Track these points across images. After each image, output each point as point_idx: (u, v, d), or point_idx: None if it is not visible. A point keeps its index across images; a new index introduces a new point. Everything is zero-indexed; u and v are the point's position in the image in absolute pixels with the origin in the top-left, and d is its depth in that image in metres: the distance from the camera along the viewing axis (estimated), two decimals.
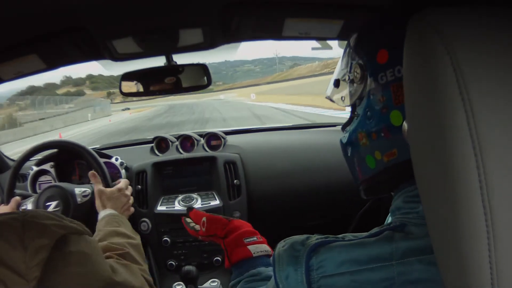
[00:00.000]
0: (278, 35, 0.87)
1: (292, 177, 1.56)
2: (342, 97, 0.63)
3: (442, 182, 0.31)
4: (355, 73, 0.56)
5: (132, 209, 1.16)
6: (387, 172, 0.52)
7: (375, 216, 0.83)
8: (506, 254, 0.30)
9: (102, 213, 1.03)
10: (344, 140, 0.61)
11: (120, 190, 1.14)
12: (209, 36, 0.88)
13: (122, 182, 1.19)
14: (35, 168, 1.51)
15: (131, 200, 1.15)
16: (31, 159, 1.43)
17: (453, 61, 0.30)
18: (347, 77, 0.59)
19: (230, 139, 1.72)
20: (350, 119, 0.60)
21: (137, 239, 0.93)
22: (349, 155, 0.61)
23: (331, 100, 0.68)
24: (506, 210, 0.29)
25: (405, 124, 0.47)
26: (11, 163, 1.67)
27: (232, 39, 0.94)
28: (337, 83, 0.64)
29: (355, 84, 0.57)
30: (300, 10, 0.74)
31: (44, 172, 1.52)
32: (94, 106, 42.64)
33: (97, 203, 1.10)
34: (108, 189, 1.13)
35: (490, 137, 0.29)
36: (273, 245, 0.61)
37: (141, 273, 0.78)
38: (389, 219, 0.64)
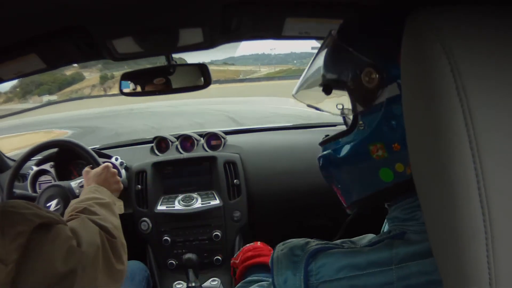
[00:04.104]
0: (278, 35, 0.88)
1: (292, 177, 1.56)
2: (340, 105, 0.55)
3: (440, 182, 0.31)
4: (369, 78, 0.48)
5: (121, 185, 1.16)
6: (409, 183, 0.45)
7: (365, 223, 0.82)
8: (504, 254, 0.30)
9: (84, 189, 1.05)
10: (341, 153, 0.53)
11: (104, 168, 1.14)
12: (209, 36, 0.88)
13: (106, 163, 1.18)
14: (35, 168, 1.51)
15: (117, 177, 1.15)
16: (31, 159, 1.43)
17: (450, 60, 0.30)
18: (350, 82, 0.51)
19: (230, 139, 1.72)
20: (349, 130, 0.53)
21: (107, 200, 0.95)
22: (346, 170, 0.54)
23: (316, 109, 0.60)
24: (504, 210, 0.29)
25: None
26: (11, 163, 1.67)
27: (232, 38, 0.94)
28: (328, 89, 0.56)
29: (366, 90, 0.49)
30: (300, 9, 0.75)
31: (44, 172, 1.52)
32: None
33: (84, 184, 1.12)
34: (94, 170, 1.14)
35: (488, 136, 0.29)
36: (272, 245, 0.60)
37: (98, 221, 0.79)
38: (385, 227, 0.63)
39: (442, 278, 0.35)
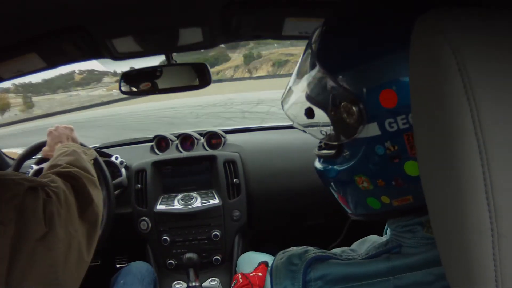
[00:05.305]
0: (278, 35, 0.88)
1: (292, 176, 1.56)
2: (324, 132, 0.51)
3: (447, 180, 0.32)
4: (347, 112, 0.44)
5: (70, 126, 1.18)
6: (396, 212, 0.48)
7: (365, 226, 0.82)
8: (511, 252, 0.30)
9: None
10: (331, 175, 0.51)
11: (49, 132, 1.17)
12: (209, 35, 0.89)
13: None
14: (34, 167, 1.51)
15: (62, 125, 1.18)
16: (31, 157, 1.43)
17: (457, 60, 0.30)
18: (330, 111, 0.47)
19: (230, 138, 1.72)
20: (336, 155, 0.50)
21: (72, 148, 1.00)
22: (338, 190, 0.53)
23: (303, 131, 0.55)
24: (511, 208, 0.30)
25: None
26: (10, 161, 1.67)
27: (231, 38, 0.94)
28: (310, 113, 0.51)
29: (346, 124, 0.45)
30: (300, 9, 0.75)
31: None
32: None
33: (52, 155, 1.12)
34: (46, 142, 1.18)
35: (495, 137, 0.30)
36: (271, 244, 0.60)
37: (60, 171, 0.85)
38: (387, 228, 0.62)
39: (447, 275, 0.35)
